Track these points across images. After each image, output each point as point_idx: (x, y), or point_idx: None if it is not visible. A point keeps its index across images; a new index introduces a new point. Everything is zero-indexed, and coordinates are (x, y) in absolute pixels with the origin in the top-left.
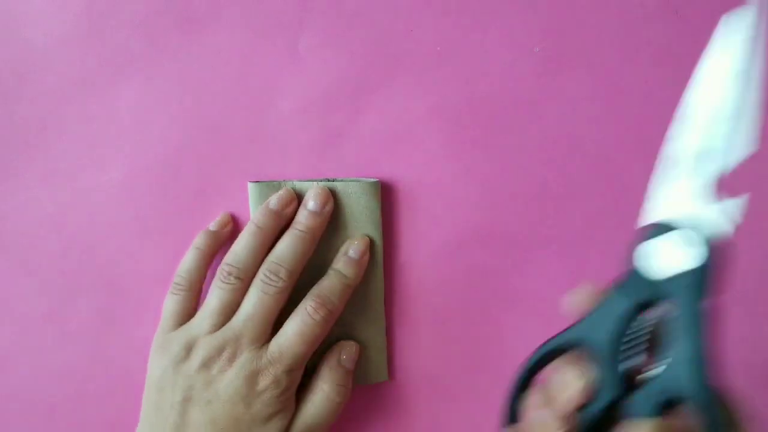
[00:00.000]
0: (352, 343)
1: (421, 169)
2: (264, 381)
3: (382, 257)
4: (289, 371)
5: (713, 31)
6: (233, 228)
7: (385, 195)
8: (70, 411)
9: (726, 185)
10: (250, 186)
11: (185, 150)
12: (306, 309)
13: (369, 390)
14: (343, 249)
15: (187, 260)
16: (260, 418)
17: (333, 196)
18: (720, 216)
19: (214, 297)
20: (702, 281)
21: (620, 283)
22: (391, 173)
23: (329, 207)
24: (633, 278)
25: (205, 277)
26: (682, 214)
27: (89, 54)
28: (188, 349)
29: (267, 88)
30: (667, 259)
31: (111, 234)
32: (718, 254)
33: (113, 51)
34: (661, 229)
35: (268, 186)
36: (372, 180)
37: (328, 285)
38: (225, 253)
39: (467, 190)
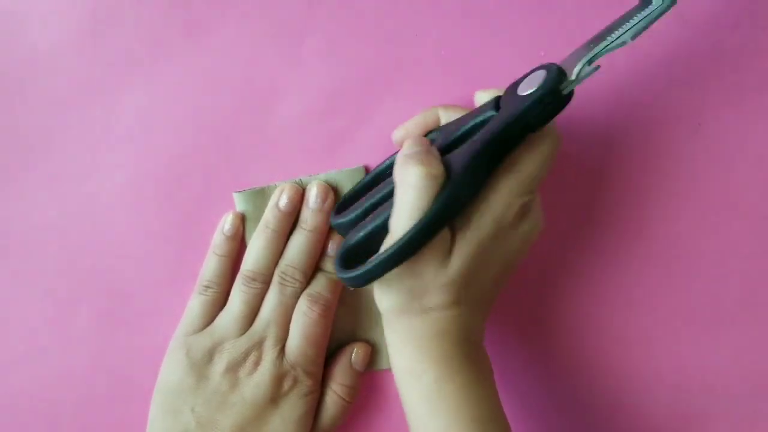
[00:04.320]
0: (363, 344)
1: None
2: (288, 384)
3: None
4: (308, 373)
5: (718, 36)
6: (242, 227)
7: None
8: (73, 416)
9: (595, 59)
10: (236, 196)
11: (189, 154)
12: (303, 309)
13: (375, 375)
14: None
15: (212, 266)
16: (287, 420)
17: None
18: (574, 71)
19: (239, 301)
20: (533, 101)
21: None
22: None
23: (330, 201)
24: (510, 93)
25: (229, 281)
26: (562, 63)
27: (93, 59)
28: (211, 353)
29: (271, 92)
30: (529, 84)
31: (115, 239)
32: (552, 93)
33: (117, 56)
34: (543, 66)
35: (253, 193)
36: (356, 167)
37: (317, 283)
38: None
39: None
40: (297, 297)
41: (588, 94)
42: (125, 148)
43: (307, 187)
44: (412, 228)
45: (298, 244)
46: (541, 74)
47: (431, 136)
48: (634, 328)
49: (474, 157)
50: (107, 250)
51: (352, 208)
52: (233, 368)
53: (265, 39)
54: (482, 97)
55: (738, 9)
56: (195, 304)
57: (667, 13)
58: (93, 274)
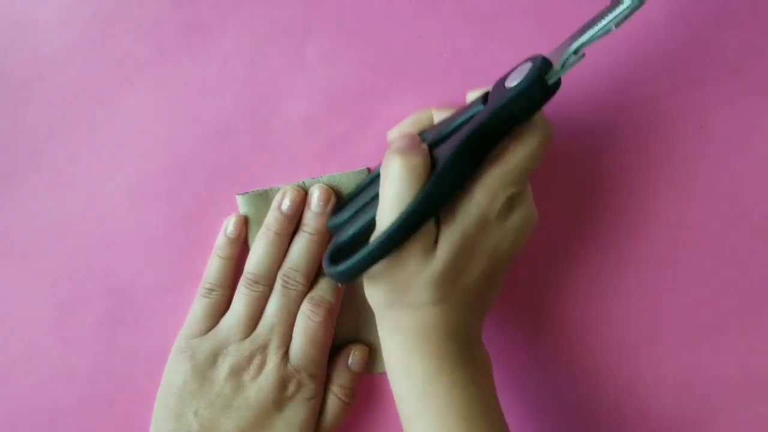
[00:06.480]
0: (361, 346)
1: None
2: (292, 387)
3: None
4: (312, 376)
5: (720, 37)
6: (245, 229)
7: None
8: (75, 418)
9: (581, 48)
10: (239, 198)
11: (192, 157)
12: (305, 313)
13: (375, 378)
14: None
15: (215, 268)
16: (292, 424)
17: None
18: (560, 61)
19: (242, 305)
20: (518, 91)
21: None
22: None
23: (332, 204)
24: (498, 86)
25: (233, 284)
26: (549, 54)
27: (96, 61)
28: (214, 356)
29: (274, 94)
30: (516, 76)
31: (117, 241)
32: (537, 83)
33: (120, 58)
34: (530, 58)
35: (256, 195)
36: (358, 169)
37: (320, 286)
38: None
39: None
40: (300, 300)
41: (588, 95)
42: (128, 151)
43: (310, 190)
44: (396, 220)
45: (301, 246)
46: (527, 66)
47: (424, 135)
48: (635, 331)
49: (458, 148)
50: (110, 252)
51: (346, 208)
52: (237, 372)
53: (267, 42)
54: (473, 97)
55: (738, 11)
56: (198, 306)
57: (667, 14)
58: (95, 276)
